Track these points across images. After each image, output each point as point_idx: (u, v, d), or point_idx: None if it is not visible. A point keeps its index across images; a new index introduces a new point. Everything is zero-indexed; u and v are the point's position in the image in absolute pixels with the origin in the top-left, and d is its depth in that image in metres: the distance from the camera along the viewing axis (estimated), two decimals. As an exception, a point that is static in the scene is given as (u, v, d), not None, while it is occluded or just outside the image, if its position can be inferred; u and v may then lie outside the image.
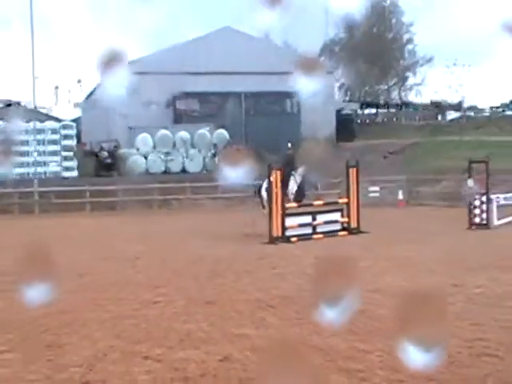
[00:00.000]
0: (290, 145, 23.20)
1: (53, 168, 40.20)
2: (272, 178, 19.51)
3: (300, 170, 21.03)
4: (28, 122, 41.02)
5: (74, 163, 41.27)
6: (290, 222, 19.82)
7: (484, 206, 21.77)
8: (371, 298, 10.52)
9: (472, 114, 59.07)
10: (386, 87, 67.33)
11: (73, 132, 42.76)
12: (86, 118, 56.96)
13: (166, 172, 40.63)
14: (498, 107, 60.74)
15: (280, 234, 19.37)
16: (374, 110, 68.27)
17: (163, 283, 13.09)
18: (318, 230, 20.55)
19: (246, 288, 12.47)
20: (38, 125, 40.65)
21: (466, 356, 7.40)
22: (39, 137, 39.85)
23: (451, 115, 61.44)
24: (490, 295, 11.27)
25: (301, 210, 20.96)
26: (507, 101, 62.73)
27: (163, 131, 42.28)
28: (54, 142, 40.69)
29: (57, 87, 68.67)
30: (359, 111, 66.08)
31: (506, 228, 21.30)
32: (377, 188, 31.63)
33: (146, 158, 41.26)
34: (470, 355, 7.48)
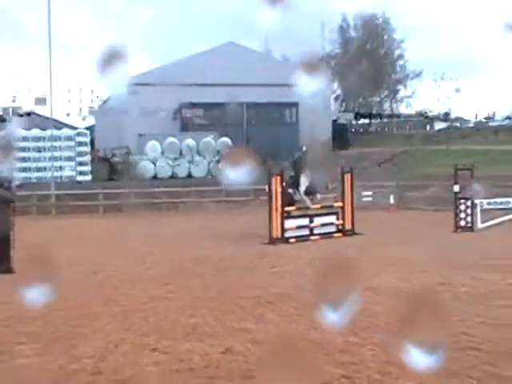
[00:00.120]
0: (304, 148, 23.12)
1: (68, 172, 40.24)
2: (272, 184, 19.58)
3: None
4: (45, 129, 41.10)
5: (87, 168, 41.30)
6: (289, 224, 19.82)
7: (469, 210, 21.79)
8: (366, 295, 10.51)
9: (458, 124, 59.16)
10: (378, 99, 67.40)
11: (87, 139, 42.80)
12: (99, 125, 57.03)
13: (173, 177, 40.65)
14: (489, 118, 60.84)
15: (279, 236, 19.36)
16: (367, 121, 68.41)
17: (171, 280, 13.09)
18: (315, 231, 20.54)
19: (247, 285, 12.46)
20: (55, 132, 40.72)
21: (451, 350, 7.40)
22: (55, 143, 39.89)
23: (439, 125, 61.53)
24: (474, 293, 11.27)
25: (299, 212, 20.97)
26: (490, 112, 62.91)
27: (171, 139, 42.32)
28: (70, 149, 40.74)
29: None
30: (353, 121, 66.20)
31: (489, 231, 21.29)
32: (370, 193, 31.58)
33: (154, 163, 41.30)
34: (456, 349, 7.47)
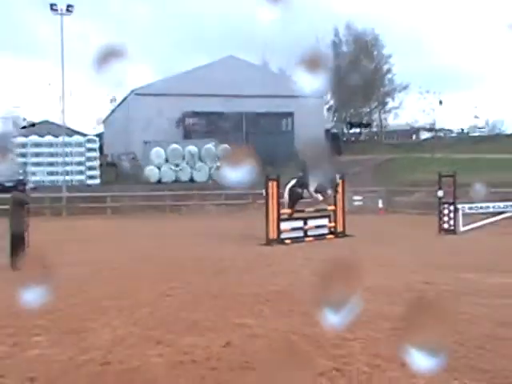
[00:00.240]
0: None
1: (78, 176, 40.23)
2: (269, 189, 19.59)
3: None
4: (57, 136, 41.12)
5: (96, 172, 41.30)
6: (285, 226, 19.84)
7: (451, 214, 21.84)
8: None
9: (442, 134, 59.27)
10: (368, 110, 67.45)
11: (96, 145, 42.83)
12: (108, 133, 57.05)
13: (177, 181, 40.63)
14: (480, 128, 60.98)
15: (275, 237, 19.37)
16: (357, 130, 68.49)
17: (174, 278, 13.08)
18: (309, 233, 20.56)
19: (246, 283, 12.46)
20: (66, 139, 40.73)
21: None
22: (67, 149, 39.91)
23: (424, 135, 61.67)
24: (455, 291, 11.30)
25: (294, 215, 20.98)
26: (472, 123, 63.04)
27: (174, 145, 42.32)
28: (80, 154, 40.74)
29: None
30: (345, 130, 66.27)
31: (470, 233, 21.34)
32: (360, 197, 31.64)
33: (159, 168, 41.28)
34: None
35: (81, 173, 40.60)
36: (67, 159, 39.54)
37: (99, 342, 8.07)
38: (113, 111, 57.90)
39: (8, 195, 16.69)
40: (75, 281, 12.93)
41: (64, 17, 37.22)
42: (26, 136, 42.60)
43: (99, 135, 52.98)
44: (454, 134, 59.40)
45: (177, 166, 41.60)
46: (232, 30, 71.24)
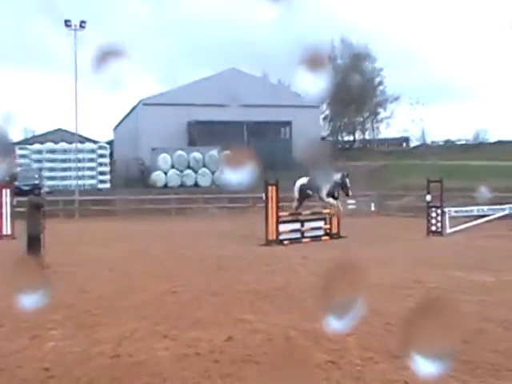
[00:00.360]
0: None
1: (90, 181, 40.24)
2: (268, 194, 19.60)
3: (336, 176, 20.51)
4: (71, 143, 41.16)
5: (107, 177, 41.32)
6: (283, 227, 19.83)
7: (439, 217, 21.86)
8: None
9: (430, 143, 59.34)
10: (361, 119, 67.48)
11: (107, 152, 42.84)
12: (118, 140, 57.09)
13: (182, 185, 40.65)
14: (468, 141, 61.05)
15: (274, 238, 19.36)
16: (351, 138, 68.53)
17: (179, 276, 13.09)
18: (306, 234, 20.56)
19: (247, 281, 12.45)
20: (79, 146, 40.78)
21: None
22: (79, 156, 39.93)
23: (414, 143, 61.78)
24: (442, 288, 11.32)
25: (291, 217, 20.96)
26: (459, 133, 63.18)
27: (180, 152, 42.34)
28: (92, 160, 40.78)
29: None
30: (339, 138, 66.31)
31: (456, 235, 21.37)
32: (353, 201, 31.64)
33: (165, 173, 41.30)
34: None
35: (92, 177, 40.63)
36: (79, 165, 39.57)
37: (109, 336, 8.08)
38: (122, 120, 57.97)
39: (25, 198, 16.73)
40: (86, 279, 12.96)
41: (77, 32, 37.31)
42: (42, 143, 42.67)
43: (110, 142, 52.99)
44: (441, 143, 59.38)
45: (182, 171, 41.62)
46: (234, 44, 71.31)
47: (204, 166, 42.05)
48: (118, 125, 60.59)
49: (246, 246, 18.62)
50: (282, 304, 10.08)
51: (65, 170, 39.78)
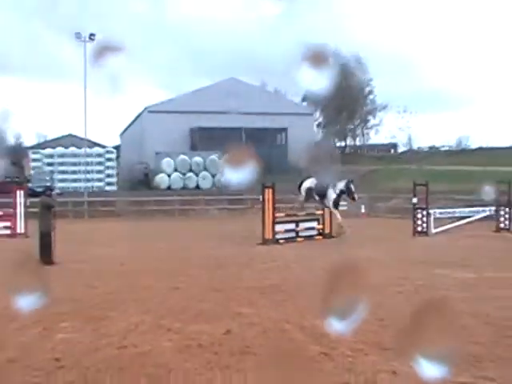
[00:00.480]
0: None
1: (98, 183, 40.21)
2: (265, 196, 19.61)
3: (340, 184, 20.35)
4: (80, 148, 41.15)
5: (114, 180, 41.29)
6: (279, 227, 19.82)
7: (424, 219, 21.87)
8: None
9: (416, 148, 59.51)
10: (352, 126, 67.56)
11: (114, 156, 42.82)
12: (124, 145, 57.08)
13: (184, 188, 40.61)
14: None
15: (271, 237, 19.36)
16: (343, 144, 68.57)
17: (182, 273, 13.10)
18: (300, 234, 20.54)
19: (245, 278, 12.47)
20: (88, 150, 40.77)
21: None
22: (88, 159, 39.91)
23: (401, 149, 61.92)
24: (428, 285, 11.34)
25: (287, 218, 20.95)
26: (443, 140, 63.27)
27: (182, 156, 42.34)
28: (100, 164, 40.75)
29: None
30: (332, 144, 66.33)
31: (440, 235, 21.40)
32: (345, 203, 31.63)
33: (169, 176, 41.28)
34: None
35: (100, 180, 40.59)
36: (88, 168, 39.55)
37: (116, 329, 8.09)
38: (128, 126, 57.99)
39: (37, 199, 16.74)
40: (94, 275, 12.94)
41: (87, 43, 37.29)
42: (53, 148, 42.66)
43: (117, 147, 52.98)
44: (426, 149, 59.56)
45: (184, 174, 41.60)
46: (233, 54, 71.37)
47: (205, 169, 42.04)
48: (124, 130, 60.60)
49: (244, 245, 18.62)
50: (277, 299, 10.09)
51: (74, 172, 39.74)
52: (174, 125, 45.87)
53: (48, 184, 31.76)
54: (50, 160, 40.46)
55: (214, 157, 42.01)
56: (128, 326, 8.22)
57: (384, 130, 66.91)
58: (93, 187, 39.27)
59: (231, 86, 48.10)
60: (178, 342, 7.43)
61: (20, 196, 22.86)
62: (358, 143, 68.58)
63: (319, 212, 21.40)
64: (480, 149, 54.50)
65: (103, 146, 48.11)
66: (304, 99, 61.22)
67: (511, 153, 45.31)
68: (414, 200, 22.15)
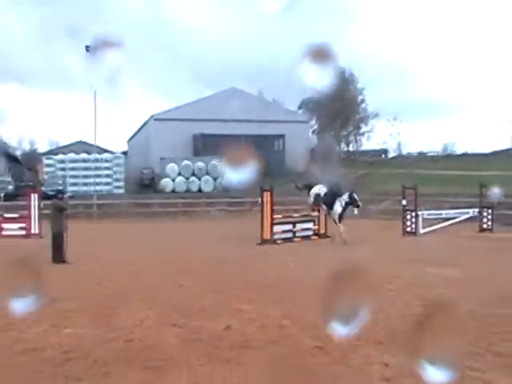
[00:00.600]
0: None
1: (107, 187, 40.14)
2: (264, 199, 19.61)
3: (344, 196, 20.04)
4: (90, 153, 41.17)
5: (121, 183, 41.22)
6: (277, 228, 19.82)
7: (413, 220, 21.90)
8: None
9: (406, 154, 59.55)
10: (345, 133, 67.56)
11: (122, 161, 42.76)
12: (131, 151, 57.06)
13: (187, 191, 40.55)
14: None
15: (269, 238, 19.36)
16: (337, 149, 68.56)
17: (185, 271, 13.08)
18: (297, 234, 20.54)
19: (244, 276, 12.45)
20: (97, 156, 40.80)
21: (401, 324, 7.42)
22: (98, 165, 39.91)
23: (391, 154, 61.99)
24: (419, 283, 11.33)
25: (284, 219, 20.94)
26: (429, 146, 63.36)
27: (186, 161, 42.27)
28: (108, 169, 40.71)
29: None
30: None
31: (428, 235, 21.43)
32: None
33: (173, 180, 41.24)
34: (405, 324, 7.53)
35: (109, 184, 40.52)
36: (98, 173, 39.54)
37: (123, 324, 8.08)
38: (135, 133, 58.04)
39: (50, 202, 16.73)
40: (103, 273, 12.94)
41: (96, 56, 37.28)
42: (65, 154, 42.63)
43: (124, 153, 52.98)
44: (415, 155, 59.56)
45: (187, 178, 41.58)
46: (232, 65, 71.37)
47: (207, 173, 41.98)
48: (131, 137, 60.63)
49: (243, 245, 18.60)
50: (275, 296, 10.08)
51: (85, 177, 39.66)
52: (178, 132, 45.87)
53: (60, 188, 31.68)
54: (62, 165, 40.37)
55: (215, 162, 41.98)
56: (134, 322, 8.21)
57: (375, 137, 66.78)
58: (102, 190, 39.20)
59: (231, 96, 48.14)
60: (181, 336, 7.43)
61: (34, 199, 22.92)
62: (351, 149, 68.53)
63: (315, 213, 21.40)
64: (465, 154, 54.51)
65: (112, 152, 48.02)
66: (300, 107, 61.30)
67: (493, 158, 45.30)
68: (404, 202, 22.17)
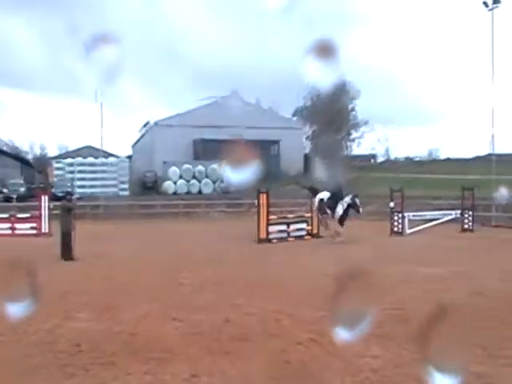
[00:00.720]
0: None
1: (112, 189, 40.09)
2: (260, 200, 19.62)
3: (347, 199, 19.93)
4: (97, 158, 41.16)
5: (126, 186, 41.17)
6: (272, 228, 19.83)
7: (400, 220, 21.94)
8: (325, 280, 10.56)
9: (393, 159, 59.65)
10: (339, 138, 67.57)
11: (126, 165, 42.74)
12: (136, 155, 57.01)
13: (188, 193, 40.54)
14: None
15: (265, 237, 19.37)
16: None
17: (187, 268, 13.06)
18: (291, 234, 20.51)
19: (241, 273, 12.43)
20: (104, 160, 40.79)
21: (391, 318, 7.43)
22: (104, 168, 39.90)
23: (380, 159, 62.09)
24: (406, 280, 11.35)
25: (279, 220, 20.93)
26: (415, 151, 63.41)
27: (186, 165, 42.26)
28: (114, 172, 40.67)
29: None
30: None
31: (414, 235, 21.45)
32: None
33: (174, 183, 41.22)
34: (395, 318, 7.55)
35: (114, 186, 40.48)
36: (104, 175, 39.51)
37: (128, 318, 8.09)
38: (140, 138, 58.02)
39: (59, 203, 16.74)
40: (109, 270, 12.92)
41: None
42: (73, 158, 42.62)
43: (129, 157, 52.97)
44: (402, 160, 59.68)
45: (188, 181, 41.56)
46: (231, 73, 71.36)
47: (206, 176, 41.99)
48: (135, 142, 60.59)
49: (241, 244, 18.59)
50: (271, 292, 10.09)
51: (92, 179, 39.62)
52: (179, 137, 45.86)
53: (69, 190, 31.64)
54: (70, 168, 40.31)
55: (214, 166, 41.97)
56: (139, 316, 8.22)
57: (365, 143, 66.68)
58: (107, 192, 39.15)
59: (230, 103, 48.16)
60: (183, 329, 7.43)
61: (44, 200, 23.01)
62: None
63: (308, 214, 21.43)
64: (448, 159, 54.68)
65: (117, 156, 48.03)
66: (294, 115, 61.37)
67: (474, 163, 45.41)
68: (391, 204, 22.21)
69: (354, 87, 58.94)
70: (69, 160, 42.02)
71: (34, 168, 43.46)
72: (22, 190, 36.93)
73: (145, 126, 53.66)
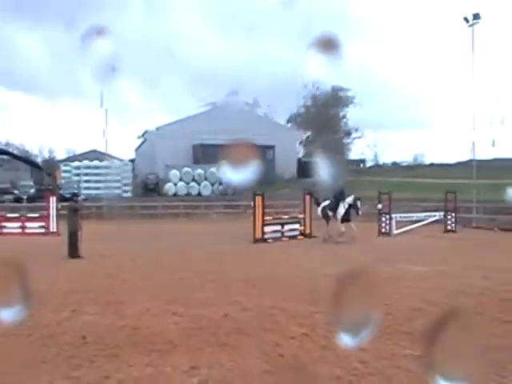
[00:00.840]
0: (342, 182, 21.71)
1: (116, 190, 40.01)
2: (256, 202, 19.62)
3: (349, 199, 19.98)
4: (102, 161, 41.13)
5: (129, 188, 41.10)
6: (267, 229, 19.83)
7: (387, 222, 21.99)
8: (320, 279, 10.59)
9: (382, 163, 59.85)
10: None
11: (129, 168, 42.69)
12: (138, 159, 56.95)
13: (188, 195, 40.51)
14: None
15: (260, 237, 19.38)
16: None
17: (186, 267, 13.06)
18: (285, 234, 20.54)
19: (239, 271, 12.43)
20: (108, 163, 40.77)
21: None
22: (108, 171, 39.87)
23: (369, 164, 62.27)
24: (393, 277, 11.35)
25: (274, 221, 20.93)
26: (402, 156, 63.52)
27: (186, 168, 42.25)
28: (118, 174, 40.61)
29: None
30: (313, 159, 66.28)
31: (400, 236, 21.51)
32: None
33: (175, 185, 41.21)
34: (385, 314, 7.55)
35: (118, 188, 40.41)
36: (108, 178, 39.46)
37: (131, 312, 8.08)
38: (142, 143, 58.01)
39: (66, 204, 16.73)
40: (112, 267, 12.90)
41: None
42: (80, 161, 42.58)
43: (132, 160, 52.94)
44: (390, 164, 59.83)
45: (188, 183, 41.53)
46: (229, 79, 71.27)
47: (205, 179, 41.98)
48: (138, 146, 60.55)
49: (237, 244, 18.59)
50: (266, 289, 10.09)
51: (97, 182, 39.55)
52: (179, 142, 45.92)
53: (75, 191, 31.60)
54: (77, 171, 40.25)
55: (213, 169, 41.97)
56: (141, 310, 8.21)
57: (355, 148, 66.83)
58: (111, 194, 39.08)
59: (227, 110, 48.18)
60: (183, 323, 7.42)
61: (53, 201, 23.17)
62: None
63: (301, 216, 21.45)
64: (432, 164, 54.83)
65: (121, 160, 48.00)
66: (289, 121, 61.49)
67: (457, 168, 45.50)
68: (379, 206, 22.26)
69: (347, 94, 58.95)
70: (76, 163, 41.97)
71: (43, 170, 43.33)
72: (32, 191, 36.84)
73: (143, 135, 53.75)
